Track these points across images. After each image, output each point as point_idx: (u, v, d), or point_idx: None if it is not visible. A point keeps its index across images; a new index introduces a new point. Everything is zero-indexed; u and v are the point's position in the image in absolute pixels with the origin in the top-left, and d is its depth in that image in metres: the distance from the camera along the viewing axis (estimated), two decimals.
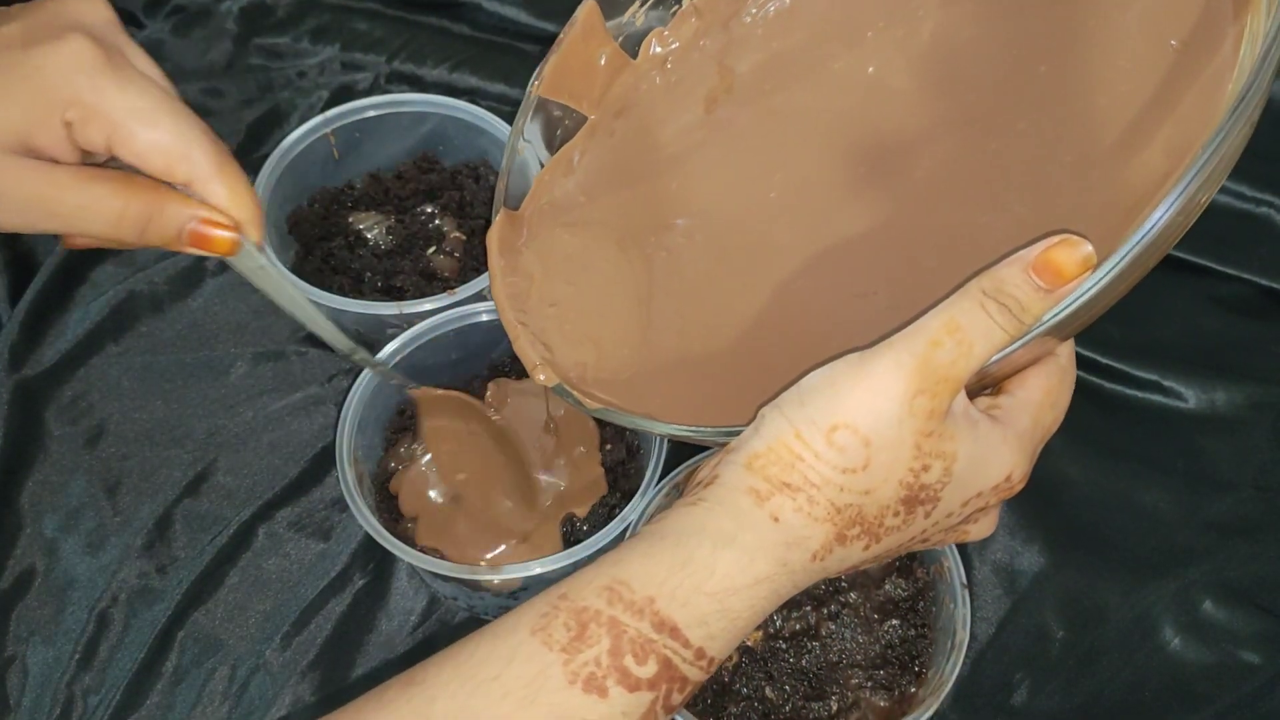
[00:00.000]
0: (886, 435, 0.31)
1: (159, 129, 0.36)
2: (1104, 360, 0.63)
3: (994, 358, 0.32)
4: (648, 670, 0.30)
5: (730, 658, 0.50)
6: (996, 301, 0.31)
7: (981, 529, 0.37)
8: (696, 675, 0.32)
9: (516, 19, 0.81)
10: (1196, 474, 0.60)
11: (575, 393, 0.42)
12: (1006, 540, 0.58)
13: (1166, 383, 0.62)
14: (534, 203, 0.48)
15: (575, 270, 0.47)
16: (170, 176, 0.37)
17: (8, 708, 0.53)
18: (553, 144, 0.49)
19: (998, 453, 0.34)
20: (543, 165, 0.49)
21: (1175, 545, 0.57)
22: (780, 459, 0.32)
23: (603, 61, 0.49)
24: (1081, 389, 0.63)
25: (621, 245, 0.47)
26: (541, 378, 0.42)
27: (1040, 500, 0.59)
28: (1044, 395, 0.36)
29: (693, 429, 0.38)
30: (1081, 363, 0.64)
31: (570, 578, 0.32)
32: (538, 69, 0.48)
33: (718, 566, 0.31)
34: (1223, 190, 0.70)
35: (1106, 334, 0.64)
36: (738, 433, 0.34)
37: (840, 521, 0.32)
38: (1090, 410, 0.63)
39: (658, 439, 0.52)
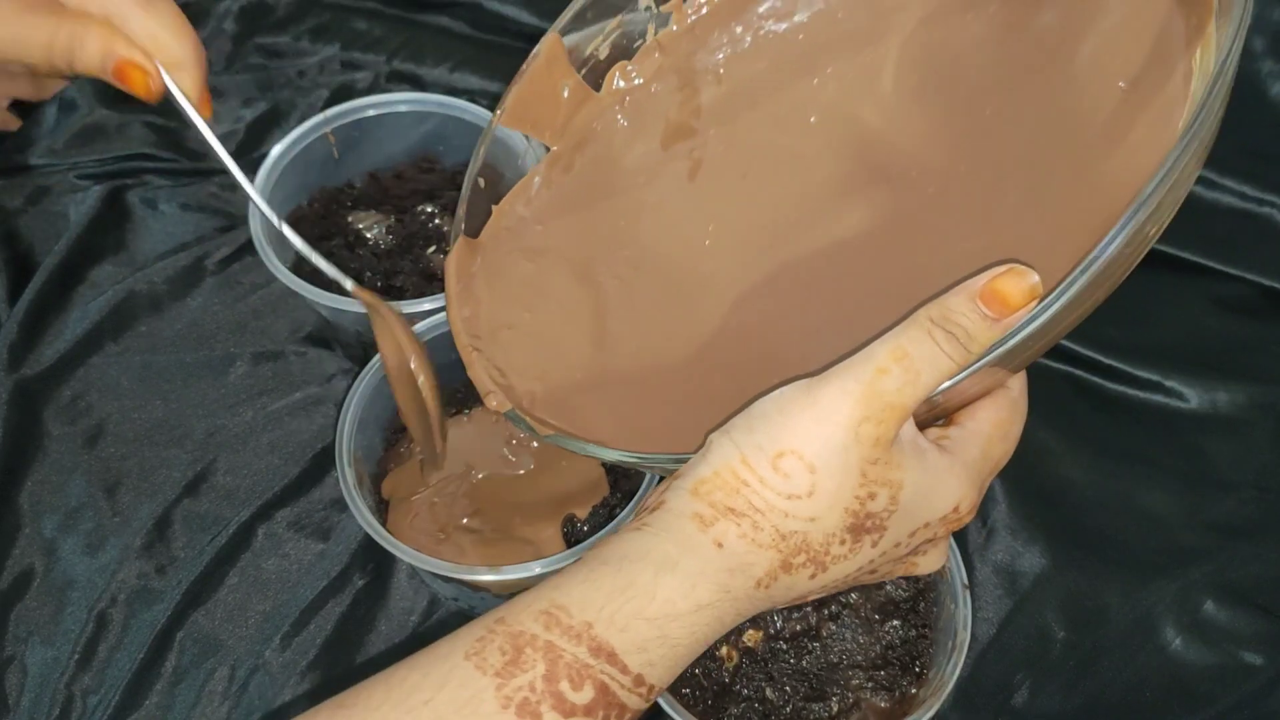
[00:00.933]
0: (832, 462, 0.31)
1: None
2: (1104, 360, 0.63)
3: (942, 386, 0.32)
4: (584, 696, 0.30)
5: (730, 658, 0.50)
6: (944, 330, 0.31)
7: (930, 562, 0.37)
8: (635, 703, 0.31)
9: (517, 18, 0.81)
10: (1198, 474, 0.60)
11: (527, 419, 0.42)
12: (1007, 541, 0.58)
13: (1168, 383, 0.62)
14: (493, 230, 0.48)
15: (531, 297, 0.47)
16: (85, 8, 0.38)
17: (7, 708, 0.53)
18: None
19: (945, 483, 0.34)
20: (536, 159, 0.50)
21: (1176, 546, 0.57)
22: (726, 485, 0.32)
23: (565, 93, 0.49)
24: (1082, 389, 0.64)
25: (576, 275, 0.48)
26: (494, 404, 0.42)
27: (1041, 501, 0.59)
28: (994, 428, 0.35)
29: (641, 456, 0.38)
30: (1081, 363, 0.64)
31: (509, 602, 0.32)
32: (501, 99, 0.48)
33: (658, 592, 0.31)
34: (1223, 190, 0.70)
35: (1107, 334, 0.64)
36: (685, 459, 0.34)
37: (785, 549, 0.32)
38: (1091, 410, 0.63)
39: None
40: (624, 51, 0.49)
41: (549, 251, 0.48)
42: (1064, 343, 0.64)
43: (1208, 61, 0.35)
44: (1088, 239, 0.30)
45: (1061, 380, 0.64)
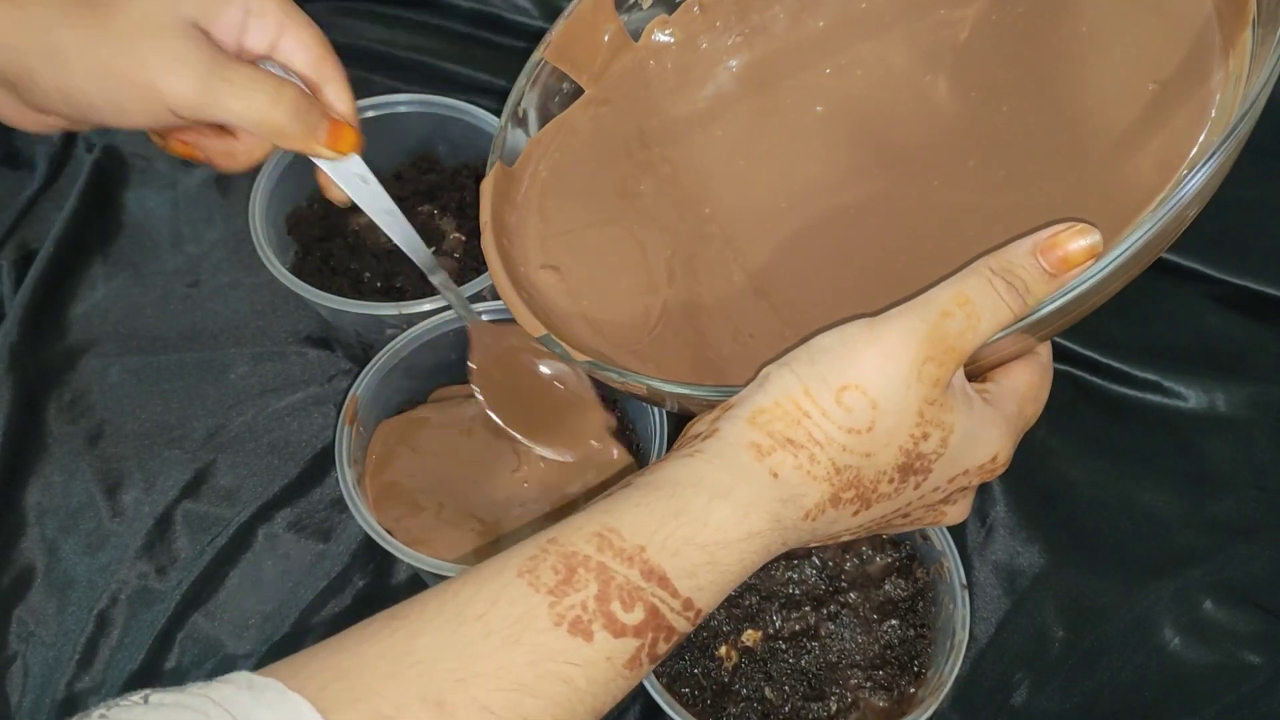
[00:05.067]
0: (894, 399, 0.32)
1: (312, 30, 0.44)
2: (1104, 360, 0.63)
3: (995, 336, 0.33)
4: (634, 617, 0.30)
5: (730, 657, 0.50)
6: (1004, 280, 0.33)
7: (957, 512, 0.38)
8: (683, 626, 0.32)
9: (517, 18, 0.81)
10: (1196, 474, 0.60)
11: (563, 344, 0.42)
12: (1006, 540, 0.58)
13: (1167, 383, 0.62)
14: (527, 165, 0.50)
15: (567, 233, 0.49)
16: (317, 72, 0.44)
17: (8, 708, 0.53)
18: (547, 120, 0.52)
19: (988, 431, 0.35)
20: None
21: (1175, 545, 0.57)
22: (786, 415, 0.33)
23: (606, 38, 0.51)
24: (1082, 389, 0.64)
25: (612, 218, 0.49)
26: (528, 328, 0.43)
27: (1040, 500, 0.59)
28: (1028, 388, 0.37)
29: (686, 387, 0.38)
30: (1081, 363, 0.64)
31: (561, 523, 0.32)
32: (545, 35, 0.50)
33: (711, 519, 0.32)
34: (1220, 189, 0.70)
35: (1106, 334, 0.64)
36: (733, 392, 0.35)
37: (838, 483, 0.33)
38: (1090, 410, 0.63)
39: (656, 439, 0.52)
40: (666, 6, 0.52)
41: (584, 194, 0.50)
42: (1064, 342, 0.64)
43: (1240, 65, 0.36)
44: (1120, 218, 0.31)
45: (1061, 380, 0.64)
